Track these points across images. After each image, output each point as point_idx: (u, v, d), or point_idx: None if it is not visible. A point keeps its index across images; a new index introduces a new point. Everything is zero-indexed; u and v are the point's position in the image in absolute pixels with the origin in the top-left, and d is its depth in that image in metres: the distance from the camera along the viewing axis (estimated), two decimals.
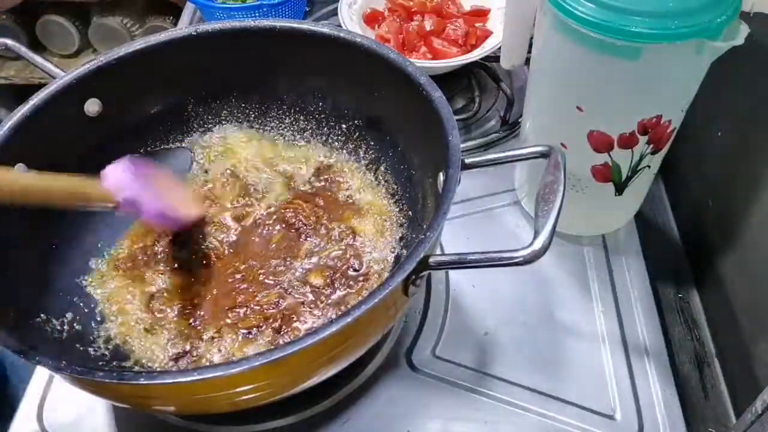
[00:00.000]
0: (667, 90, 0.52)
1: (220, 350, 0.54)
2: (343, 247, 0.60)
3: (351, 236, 0.61)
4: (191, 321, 0.56)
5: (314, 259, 0.60)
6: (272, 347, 0.39)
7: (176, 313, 0.57)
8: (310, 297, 0.57)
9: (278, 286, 0.58)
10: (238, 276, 0.59)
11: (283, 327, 0.55)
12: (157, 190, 0.55)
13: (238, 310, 0.56)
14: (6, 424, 0.56)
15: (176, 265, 0.60)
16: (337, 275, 0.58)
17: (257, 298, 0.57)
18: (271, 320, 0.55)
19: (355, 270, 0.58)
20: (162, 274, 0.59)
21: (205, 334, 0.55)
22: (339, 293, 0.57)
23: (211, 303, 0.57)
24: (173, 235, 0.62)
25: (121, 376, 0.39)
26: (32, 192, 0.45)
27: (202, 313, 0.56)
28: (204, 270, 0.60)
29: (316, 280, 0.58)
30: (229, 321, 0.56)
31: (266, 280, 0.58)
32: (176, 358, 0.54)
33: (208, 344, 0.54)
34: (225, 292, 0.58)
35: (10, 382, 0.78)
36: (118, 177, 0.51)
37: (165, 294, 0.58)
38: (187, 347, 0.54)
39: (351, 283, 0.58)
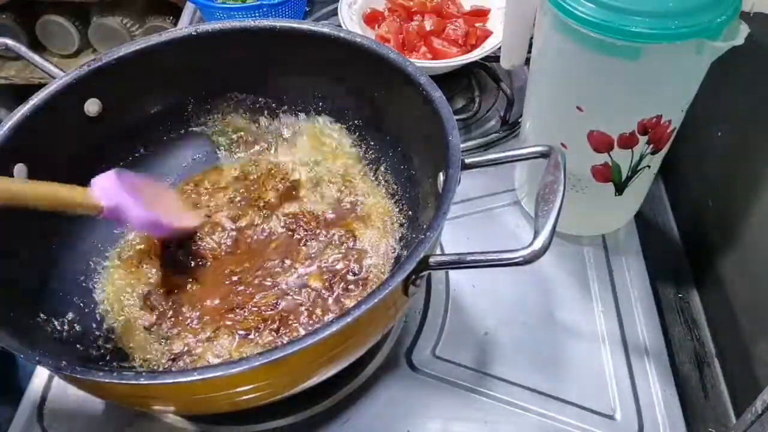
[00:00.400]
0: (667, 90, 0.52)
1: (217, 351, 0.54)
2: (344, 251, 0.60)
3: (351, 240, 0.60)
4: (189, 322, 0.56)
5: (314, 262, 0.59)
6: (272, 347, 0.39)
7: (175, 314, 0.57)
8: (309, 299, 0.57)
9: (276, 288, 0.58)
10: (235, 278, 0.59)
11: (281, 329, 0.55)
12: (146, 198, 0.56)
13: (236, 311, 0.56)
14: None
15: (174, 267, 0.60)
16: (336, 278, 0.58)
17: (255, 300, 0.57)
18: (269, 322, 0.55)
19: (354, 274, 0.58)
20: (161, 275, 0.59)
21: (202, 335, 0.55)
22: (338, 295, 0.57)
23: (209, 304, 0.57)
24: (172, 238, 0.61)
25: (121, 376, 0.39)
26: (21, 197, 0.46)
27: (199, 314, 0.56)
28: (202, 271, 0.60)
29: (315, 283, 0.58)
30: (227, 323, 0.55)
31: (264, 282, 0.58)
32: (174, 359, 0.54)
33: (206, 345, 0.54)
34: (223, 293, 0.58)
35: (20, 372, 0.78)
36: (105, 185, 0.53)
37: (163, 295, 0.58)
38: (185, 348, 0.54)
39: (350, 286, 0.57)
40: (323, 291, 0.57)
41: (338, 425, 0.54)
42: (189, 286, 0.59)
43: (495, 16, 0.86)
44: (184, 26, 0.63)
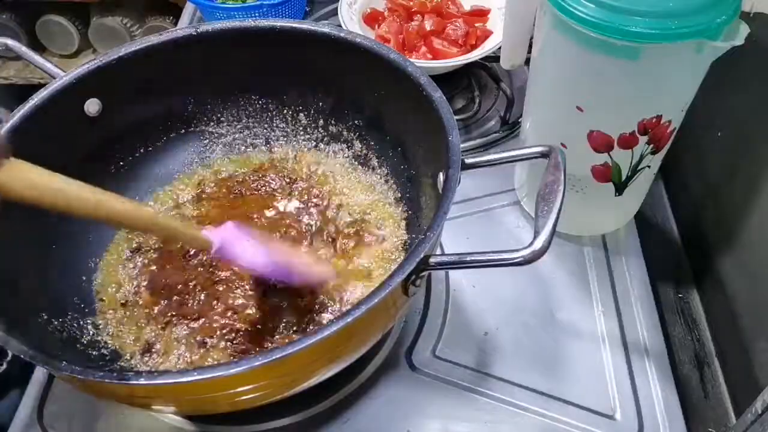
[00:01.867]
0: (667, 90, 0.52)
1: (181, 356, 0.54)
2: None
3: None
4: (183, 323, 0.56)
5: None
6: (273, 347, 0.39)
7: (173, 315, 0.57)
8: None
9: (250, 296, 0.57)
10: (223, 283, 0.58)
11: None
12: (276, 250, 0.54)
13: (200, 318, 0.56)
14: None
15: (174, 268, 0.60)
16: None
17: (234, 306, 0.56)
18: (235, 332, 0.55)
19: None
20: (160, 277, 0.59)
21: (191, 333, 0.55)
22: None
23: (201, 311, 0.57)
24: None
25: (121, 376, 0.39)
26: (142, 224, 0.46)
27: (195, 317, 0.56)
28: (194, 270, 0.60)
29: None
30: (193, 326, 0.55)
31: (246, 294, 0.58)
32: (148, 349, 0.54)
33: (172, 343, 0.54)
34: (198, 302, 0.57)
35: None
36: (219, 228, 0.51)
37: (162, 296, 0.58)
38: (157, 345, 0.54)
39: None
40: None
41: (338, 425, 0.54)
42: (186, 290, 0.58)
43: (495, 16, 0.86)
44: (184, 26, 0.63)
